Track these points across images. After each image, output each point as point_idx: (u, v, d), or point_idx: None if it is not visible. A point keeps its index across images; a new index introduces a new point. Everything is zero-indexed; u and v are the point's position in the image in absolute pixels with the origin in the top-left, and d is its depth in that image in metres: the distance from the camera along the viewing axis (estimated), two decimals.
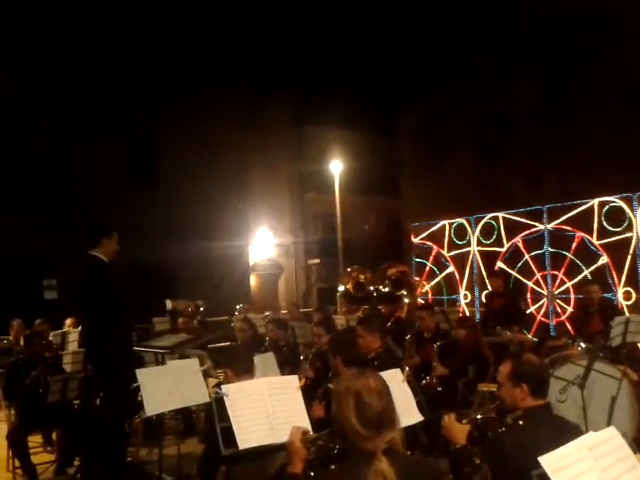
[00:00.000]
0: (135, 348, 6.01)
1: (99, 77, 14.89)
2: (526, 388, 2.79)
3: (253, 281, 20.34)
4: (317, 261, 21.60)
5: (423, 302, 10.57)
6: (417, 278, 12.14)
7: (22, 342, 7.63)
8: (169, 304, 4.87)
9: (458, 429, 2.93)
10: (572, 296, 9.93)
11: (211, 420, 3.17)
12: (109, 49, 14.93)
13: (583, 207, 9.79)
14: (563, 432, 2.57)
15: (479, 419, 3.02)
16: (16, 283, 13.55)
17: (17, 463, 5.51)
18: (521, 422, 2.75)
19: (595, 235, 9.65)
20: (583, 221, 9.80)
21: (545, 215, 10.22)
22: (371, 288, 9.82)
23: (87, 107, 14.60)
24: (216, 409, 3.12)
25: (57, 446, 5.95)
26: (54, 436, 6.16)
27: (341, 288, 10.12)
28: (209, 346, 7.36)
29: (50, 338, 7.55)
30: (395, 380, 3.73)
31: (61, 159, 14.61)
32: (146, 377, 4.43)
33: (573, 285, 9.91)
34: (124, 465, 4.67)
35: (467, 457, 2.79)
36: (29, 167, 14.19)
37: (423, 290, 12.27)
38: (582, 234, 9.81)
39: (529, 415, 2.76)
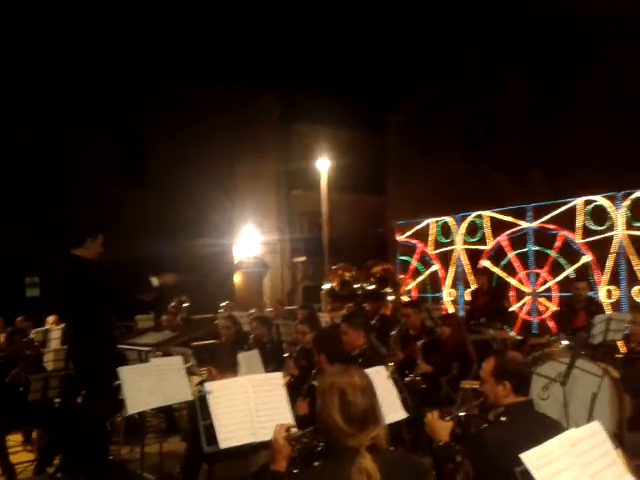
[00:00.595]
0: (118, 346, 5.97)
1: (88, 75, 14.76)
2: (509, 385, 2.80)
3: (238, 279, 20.28)
4: (303, 259, 21.57)
5: (409, 299, 10.60)
6: (402, 276, 12.17)
7: (3, 340, 7.54)
8: (155, 281, 4.72)
9: (441, 426, 2.94)
10: (555, 294, 10.02)
11: (194, 418, 3.14)
12: (98, 47, 14.82)
13: (567, 206, 9.87)
14: (545, 429, 2.58)
15: (462, 416, 3.03)
16: None
17: None
18: (503, 418, 2.75)
19: (578, 234, 9.74)
20: (567, 220, 9.89)
21: (530, 213, 10.30)
22: (356, 286, 9.81)
23: (76, 105, 14.47)
24: (199, 407, 3.09)
25: (37, 445, 5.86)
26: (34, 435, 6.08)
27: (326, 286, 10.10)
28: (193, 344, 7.31)
29: (32, 336, 7.46)
30: (379, 377, 3.73)
31: (48, 156, 14.45)
32: (128, 375, 4.39)
33: (556, 283, 9.99)
34: (105, 463, 4.61)
35: (450, 454, 2.80)
36: (16, 163, 14.03)
37: (407, 288, 12.30)
38: (566, 233, 9.90)
39: (511, 411, 2.77)
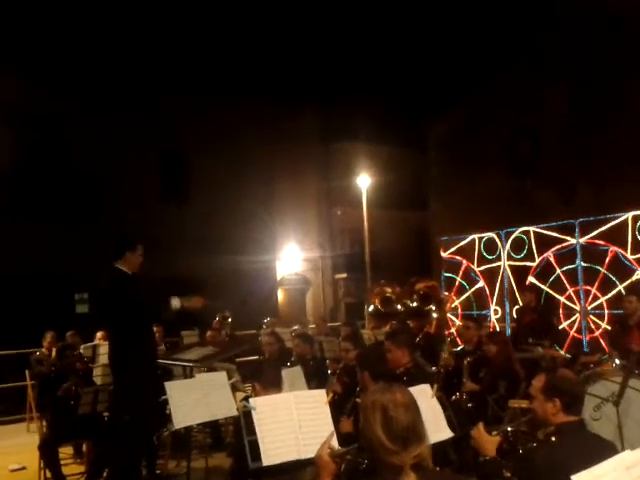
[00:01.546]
0: (163, 361, 6.07)
1: (132, 94, 15.25)
2: (559, 403, 2.72)
3: (281, 295, 20.40)
4: (344, 275, 21.57)
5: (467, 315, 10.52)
6: (446, 293, 12.00)
7: (54, 354, 7.77)
8: (176, 302, 4.49)
9: (488, 440, 2.88)
10: (606, 311, 9.70)
11: (239, 433, 3.16)
12: (142, 67, 15.28)
13: (616, 221, 9.59)
14: (597, 450, 2.50)
15: (509, 431, 2.96)
16: (49, 296, 13.82)
17: (48, 474, 5.57)
18: (553, 438, 2.68)
19: (629, 249, 9.44)
20: (616, 235, 9.60)
21: (577, 229, 10.05)
22: (398, 306, 9.74)
23: (121, 123, 14.95)
24: (244, 422, 3.12)
25: (87, 458, 6.00)
26: (84, 448, 6.22)
27: (371, 308, 10.07)
28: (237, 360, 7.37)
29: (81, 351, 7.66)
30: (424, 395, 3.69)
31: (95, 174, 14.93)
32: (174, 390, 4.45)
33: (607, 300, 9.68)
34: (148, 478, 4.66)
35: (496, 469, 2.73)
36: (64, 181, 14.55)
37: (453, 305, 12.12)
38: (616, 248, 9.60)
39: (562, 431, 2.69)
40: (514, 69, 15.52)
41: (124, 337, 4.41)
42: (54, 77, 14.28)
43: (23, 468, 6.45)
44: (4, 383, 9.22)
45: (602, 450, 2.51)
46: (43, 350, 8.51)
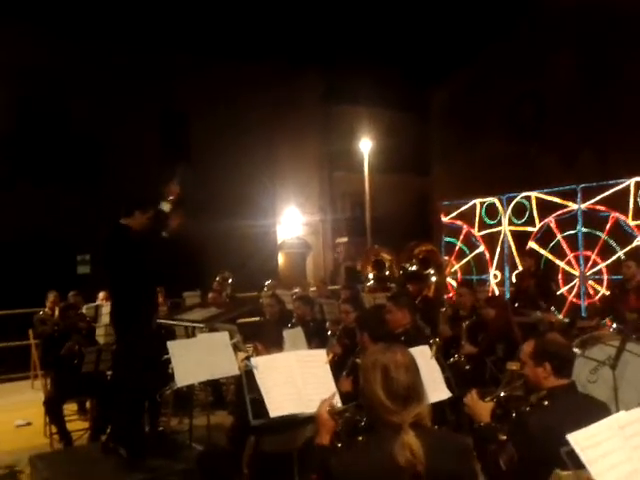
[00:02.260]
0: (166, 321, 6.14)
1: (132, 55, 15.01)
2: (549, 367, 2.75)
3: (281, 259, 20.47)
4: (345, 239, 21.59)
5: (463, 280, 10.56)
6: (446, 257, 12.05)
7: (57, 314, 7.85)
8: (165, 205, 4.54)
9: (482, 407, 2.92)
10: (605, 277, 9.76)
11: (241, 391, 3.22)
12: (143, 28, 15.00)
13: (619, 187, 9.56)
14: (590, 411, 2.54)
15: (502, 397, 3.00)
16: (50, 258, 13.88)
17: (53, 429, 5.70)
18: (546, 402, 2.71)
19: (630, 215, 9.44)
20: (618, 201, 9.59)
21: (579, 195, 10.02)
22: (387, 272, 9.82)
23: (121, 84, 14.73)
24: (246, 381, 3.17)
25: (90, 414, 6.12)
26: (88, 405, 6.34)
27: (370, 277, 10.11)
28: (238, 321, 7.45)
29: (83, 311, 7.73)
30: (423, 356, 3.74)
31: (95, 135, 14.78)
32: (177, 349, 4.52)
33: (606, 266, 9.74)
34: (146, 435, 4.74)
35: (492, 435, 2.78)
36: (64, 142, 14.42)
37: (452, 270, 12.19)
38: (617, 214, 9.60)
39: (553, 395, 2.73)
40: (518, 33, 15.23)
41: (126, 293, 4.39)
42: (53, 38, 14.03)
43: (29, 424, 6.60)
44: (8, 342, 9.34)
45: (594, 411, 2.56)
46: (46, 310, 8.59)
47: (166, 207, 4.54)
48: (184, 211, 4.70)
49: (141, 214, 4.45)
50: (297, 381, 3.08)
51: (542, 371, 2.77)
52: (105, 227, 4.58)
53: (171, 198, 4.57)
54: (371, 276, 10.35)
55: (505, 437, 2.72)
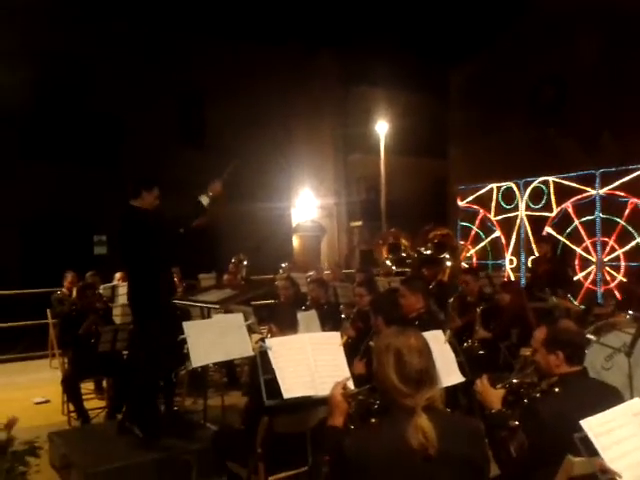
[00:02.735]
0: (182, 302, 6.19)
1: (151, 37, 15.00)
2: (561, 355, 2.73)
3: (296, 242, 20.50)
4: (360, 223, 21.56)
5: (468, 266, 10.47)
6: (462, 242, 11.99)
7: (74, 294, 7.96)
8: (205, 199, 4.50)
9: (492, 394, 2.90)
10: (622, 264, 9.66)
11: (255, 372, 3.25)
12: (162, 9, 14.97)
13: (638, 172, 9.41)
14: (602, 397, 2.53)
15: (514, 383, 2.99)
16: (68, 238, 14.03)
17: (71, 407, 5.80)
18: (557, 389, 2.70)
19: None
20: (638, 187, 9.45)
21: (598, 180, 9.89)
22: (403, 254, 9.76)
23: (139, 66, 14.77)
24: (260, 361, 3.19)
25: (107, 393, 6.22)
26: (105, 384, 6.44)
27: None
28: (253, 303, 7.50)
29: (100, 291, 7.82)
30: (437, 341, 3.75)
31: (113, 116, 14.86)
32: (192, 330, 4.57)
33: (624, 253, 9.63)
34: (161, 415, 4.80)
35: (502, 421, 2.78)
36: (82, 123, 14.51)
37: (468, 254, 12.13)
38: (636, 200, 9.47)
39: (565, 382, 2.71)
40: (542, 15, 14.93)
41: (141, 273, 4.42)
42: (73, 20, 14.06)
43: (47, 401, 6.72)
44: (26, 321, 9.49)
45: (606, 397, 2.55)
46: (63, 290, 8.70)
47: (205, 201, 4.53)
48: (219, 211, 4.69)
49: (148, 193, 4.45)
50: (310, 363, 3.10)
51: (554, 359, 2.76)
52: (120, 209, 4.61)
53: (211, 194, 4.55)
54: (388, 262, 10.32)
55: (516, 423, 2.72)
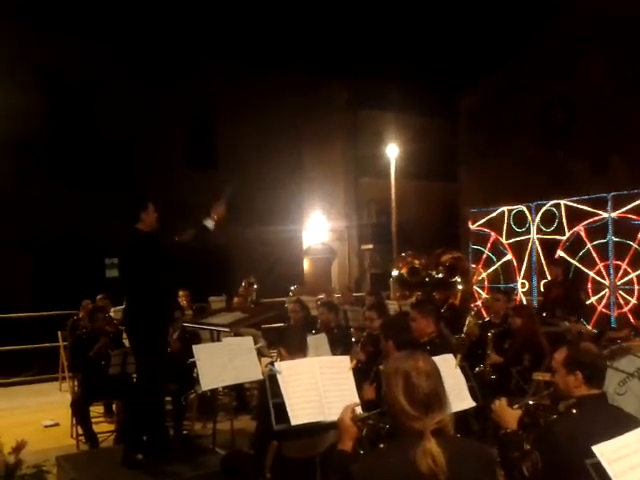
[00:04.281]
0: (192, 325, 6.20)
1: (162, 60, 15.26)
2: (580, 376, 2.71)
3: (307, 265, 20.50)
4: (370, 246, 21.53)
5: (502, 288, 10.52)
6: (474, 265, 11.93)
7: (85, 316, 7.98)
8: (209, 223, 4.55)
9: (509, 414, 2.89)
10: (636, 287, 9.55)
11: (264, 396, 3.23)
12: (172, 33, 15.23)
13: None
14: (619, 423, 2.49)
15: (531, 405, 2.97)
16: (80, 261, 14.12)
17: (80, 430, 5.78)
18: (574, 411, 2.67)
19: None
20: None
21: (609, 203, 9.84)
22: (426, 279, 9.71)
23: (150, 90, 14.97)
24: (269, 385, 3.17)
25: (117, 417, 6.20)
26: (114, 407, 6.42)
27: (395, 273, 10.05)
28: (263, 326, 7.48)
29: (111, 314, 7.84)
30: (447, 365, 3.71)
31: (125, 140, 15.04)
32: (202, 353, 4.56)
33: (637, 276, 9.53)
34: (168, 439, 4.75)
35: (517, 442, 2.75)
36: (94, 146, 14.69)
37: (480, 278, 12.06)
38: None
39: (582, 404, 2.68)
40: (549, 38, 15.05)
41: (143, 297, 4.40)
42: (85, 44, 14.34)
43: (56, 424, 6.72)
44: (38, 344, 9.52)
45: (623, 423, 2.51)
46: (80, 315, 8.68)
47: (210, 224, 4.58)
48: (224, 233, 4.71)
49: (145, 212, 4.49)
50: (319, 387, 3.08)
51: (573, 380, 2.73)
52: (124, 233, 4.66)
53: (215, 217, 4.62)
54: (396, 274, 10.26)
55: (529, 446, 2.68)
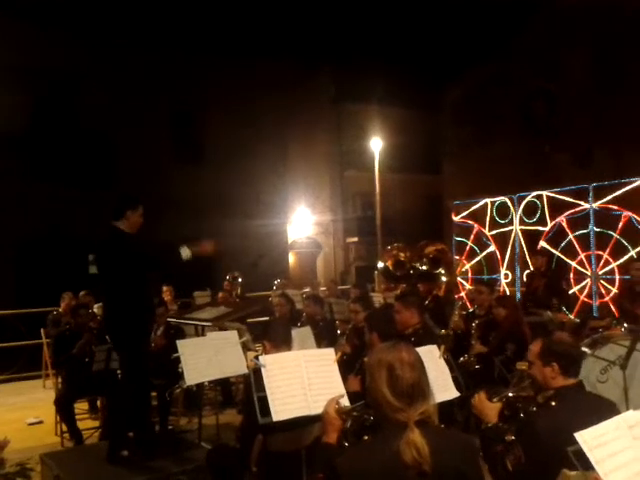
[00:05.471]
0: (176, 320, 6.17)
1: (146, 54, 15.11)
2: (557, 367, 2.74)
3: (292, 259, 20.49)
4: (356, 239, 21.57)
5: (483, 279, 10.57)
6: (457, 257, 11.99)
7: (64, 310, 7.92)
8: (186, 253, 4.43)
9: (489, 407, 2.90)
10: (617, 277, 9.67)
11: (249, 389, 3.23)
12: (156, 26, 15.08)
13: (632, 186, 9.46)
14: (597, 410, 2.52)
15: (510, 397, 2.98)
16: (62, 258, 13.98)
17: (64, 428, 5.74)
18: (553, 403, 2.70)
19: None
20: (631, 200, 9.49)
21: (591, 194, 9.94)
22: (411, 271, 9.73)
23: (134, 84, 14.82)
24: (254, 379, 3.17)
25: (101, 413, 6.16)
26: (99, 403, 6.38)
27: (380, 265, 10.07)
28: (248, 320, 7.47)
29: (94, 310, 7.78)
30: (431, 356, 3.74)
31: (107, 134, 14.90)
32: (186, 348, 4.55)
33: (618, 266, 9.64)
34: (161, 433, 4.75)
35: (499, 435, 2.77)
36: (76, 142, 14.53)
37: (463, 269, 12.13)
38: (629, 213, 9.51)
39: (561, 395, 2.72)
40: (531, 32, 15.13)
41: (119, 294, 4.35)
42: (67, 39, 14.16)
43: (40, 422, 6.66)
44: (21, 341, 9.42)
45: (602, 410, 2.54)
46: (60, 310, 8.64)
47: (185, 254, 4.48)
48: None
49: (132, 213, 4.42)
50: (304, 380, 3.08)
51: (550, 371, 2.76)
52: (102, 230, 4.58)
53: (200, 251, 4.58)
54: (381, 266, 10.28)
55: (512, 438, 2.70)
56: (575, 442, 2.07)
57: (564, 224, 10.47)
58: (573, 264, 10.33)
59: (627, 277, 8.51)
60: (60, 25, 13.89)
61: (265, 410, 3.07)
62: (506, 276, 11.39)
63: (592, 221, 9.96)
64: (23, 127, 13.72)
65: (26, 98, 13.68)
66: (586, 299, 10.06)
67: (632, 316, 5.88)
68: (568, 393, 2.72)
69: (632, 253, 9.41)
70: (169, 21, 15.42)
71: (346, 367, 4.25)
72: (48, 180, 13.85)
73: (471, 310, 6.67)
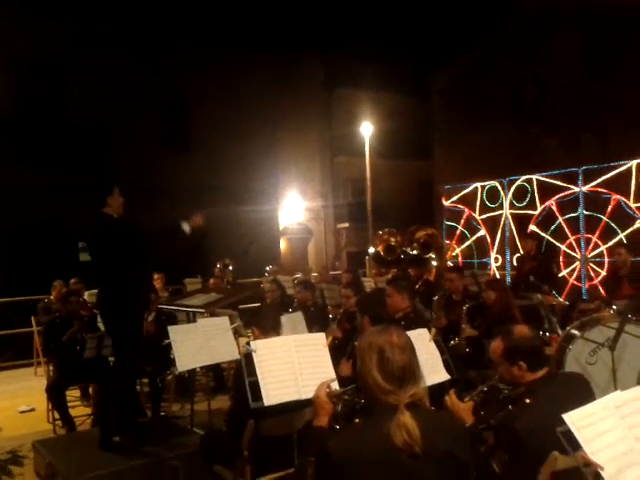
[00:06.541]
0: (167, 307, 6.16)
1: (134, 42, 14.93)
2: (524, 365, 2.69)
3: (283, 245, 20.48)
4: (346, 225, 21.57)
5: (452, 264, 10.52)
6: (448, 241, 12.04)
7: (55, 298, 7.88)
8: (186, 226, 4.70)
9: (461, 408, 2.85)
10: (606, 260, 9.74)
11: (240, 374, 3.23)
12: (144, 15, 14.92)
13: (620, 169, 9.51)
14: (572, 394, 2.50)
15: (480, 394, 2.94)
16: (52, 245, 13.90)
17: (56, 415, 5.74)
18: (528, 400, 2.62)
19: (632, 197, 9.40)
20: (620, 183, 9.54)
21: (580, 177, 9.98)
22: (402, 256, 9.75)
23: (122, 72, 14.68)
24: (245, 364, 3.18)
25: (93, 400, 6.16)
26: (90, 390, 6.38)
27: (371, 250, 10.09)
28: (239, 307, 7.47)
29: (85, 297, 7.75)
30: (422, 339, 3.76)
31: (97, 122, 14.76)
32: (178, 334, 4.54)
33: (607, 249, 9.71)
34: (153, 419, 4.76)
35: (478, 436, 2.74)
36: (65, 130, 14.39)
37: (454, 253, 12.18)
38: (618, 197, 9.56)
39: (533, 391, 2.66)
40: (521, 16, 15.07)
41: (111, 277, 4.41)
42: (55, 25, 13.97)
43: (32, 410, 6.66)
44: (11, 329, 9.38)
45: (576, 392, 2.54)
46: (51, 298, 8.59)
47: (186, 228, 4.71)
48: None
49: (111, 197, 4.52)
50: (295, 365, 3.09)
51: (517, 370, 2.71)
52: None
53: (193, 224, 4.76)
54: (372, 252, 10.29)
55: (493, 437, 2.67)
56: (555, 440, 2.08)
57: (554, 208, 10.52)
58: (563, 247, 10.40)
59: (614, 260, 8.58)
60: (49, 13, 13.70)
61: (256, 394, 3.08)
62: (496, 260, 11.45)
63: (582, 204, 10.02)
64: (11, 115, 13.56)
65: (14, 86, 13.52)
66: (575, 282, 10.15)
67: (617, 298, 5.94)
68: (539, 387, 2.66)
69: (621, 236, 9.49)
70: (158, 9, 15.25)
71: (337, 351, 4.27)
72: (38, 168, 13.73)
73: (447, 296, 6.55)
